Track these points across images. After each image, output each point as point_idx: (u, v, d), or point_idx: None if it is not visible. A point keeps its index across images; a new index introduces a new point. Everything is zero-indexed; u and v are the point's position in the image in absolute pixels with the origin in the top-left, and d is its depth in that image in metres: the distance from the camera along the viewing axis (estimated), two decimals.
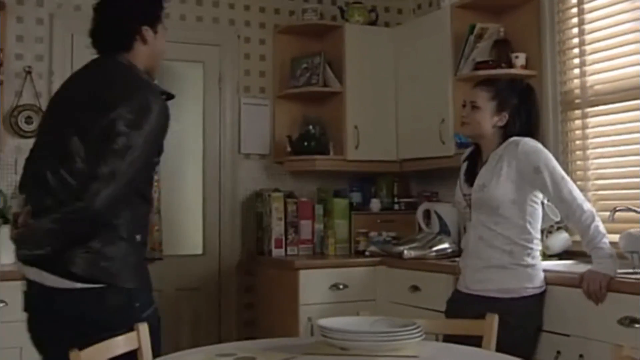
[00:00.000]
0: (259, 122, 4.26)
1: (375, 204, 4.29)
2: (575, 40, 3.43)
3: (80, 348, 1.79)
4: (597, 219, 2.55)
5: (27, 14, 3.79)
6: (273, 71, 4.31)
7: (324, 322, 1.97)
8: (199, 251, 4.15)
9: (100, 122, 2.05)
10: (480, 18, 3.79)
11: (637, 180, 3.10)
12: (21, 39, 3.77)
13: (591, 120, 3.35)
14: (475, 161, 2.81)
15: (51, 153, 2.14)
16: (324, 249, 4.13)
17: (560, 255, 3.32)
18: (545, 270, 2.75)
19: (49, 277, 2.06)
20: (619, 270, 2.52)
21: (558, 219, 3.27)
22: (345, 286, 3.68)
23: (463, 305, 2.72)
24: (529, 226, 2.65)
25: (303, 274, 3.64)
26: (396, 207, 4.34)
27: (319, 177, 4.32)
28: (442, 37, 3.84)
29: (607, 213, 3.04)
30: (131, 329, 2.02)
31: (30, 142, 3.65)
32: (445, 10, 3.86)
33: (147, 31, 2.25)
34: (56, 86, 3.72)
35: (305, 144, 4.10)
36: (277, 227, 4.04)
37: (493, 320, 2.18)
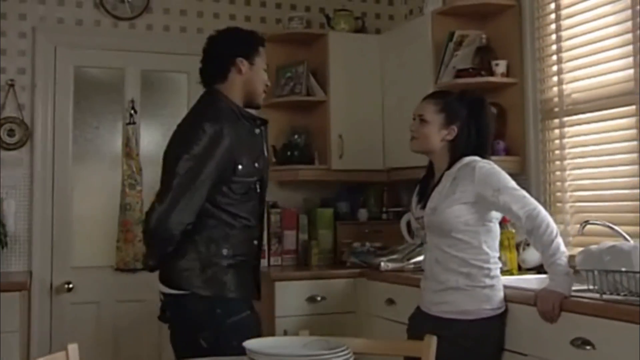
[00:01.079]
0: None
1: (362, 214, 4.24)
2: (554, 47, 3.33)
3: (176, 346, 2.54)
4: (559, 236, 2.47)
5: (10, 27, 3.84)
6: None
7: (251, 343, 1.93)
8: None
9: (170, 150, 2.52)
10: (463, 24, 3.71)
11: (616, 192, 3.00)
12: (4, 52, 3.82)
13: (569, 130, 3.25)
14: (428, 181, 2.75)
15: None
16: (308, 260, 4.09)
17: (537, 269, 3.22)
18: (506, 287, 2.67)
19: (159, 284, 2.55)
20: (577, 288, 2.43)
21: None
22: (324, 298, 3.64)
23: (422, 324, 2.65)
24: (484, 246, 2.58)
25: (279, 286, 3.61)
26: (384, 217, 4.28)
27: (306, 187, 4.28)
28: (423, 44, 3.78)
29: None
30: (217, 334, 2.39)
31: (13, 155, 3.78)
32: (426, 16, 3.79)
33: (242, 62, 2.54)
34: (38, 98, 3.84)
35: (289, 153, 4.07)
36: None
37: (431, 342, 2.11)
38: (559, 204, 3.29)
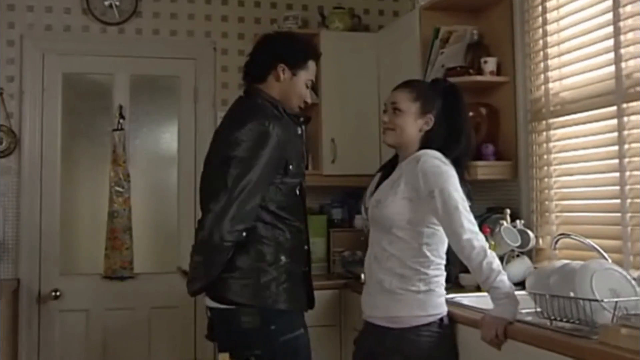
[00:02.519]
0: None
1: (358, 221, 4.04)
2: (541, 43, 3.06)
3: None
4: (489, 254, 2.21)
5: None
6: None
7: None
8: (175, 269, 4.07)
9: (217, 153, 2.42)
10: (453, 20, 3.47)
11: (599, 202, 2.72)
12: None
13: (555, 133, 2.98)
14: (390, 172, 2.54)
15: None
16: None
17: (523, 284, 2.96)
18: (466, 307, 2.46)
19: (207, 298, 2.43)
20: (526, 311, 2.19)
21: (517, 245, 2.97)
22: None
23: (362, 334, 2.52)
24: (425, 249, 2.35)
25: None
26: None
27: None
28: (412, 42, 3.56)
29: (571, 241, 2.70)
30: (272, 353, 2.31)
31: (1, 163, 3.78)
32: (414, 12, 3.57)
33: (282, 69, 2.44)
34: (26, 106, 3.84)
35: None
36: None
37: None
38: (547, 214, 3.01)
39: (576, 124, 2.83)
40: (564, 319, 2.04)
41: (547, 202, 3.00)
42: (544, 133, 3.02)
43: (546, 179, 3.01)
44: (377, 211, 2.40)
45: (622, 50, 2.54)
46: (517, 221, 3.04)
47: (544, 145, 3.02)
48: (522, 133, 3.17)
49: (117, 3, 3.95)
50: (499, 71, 3.32)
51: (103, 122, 3.99)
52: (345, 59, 3.95)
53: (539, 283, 2.14)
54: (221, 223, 2.25)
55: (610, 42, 2.60)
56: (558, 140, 2.95)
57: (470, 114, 3.30)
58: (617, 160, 2.56)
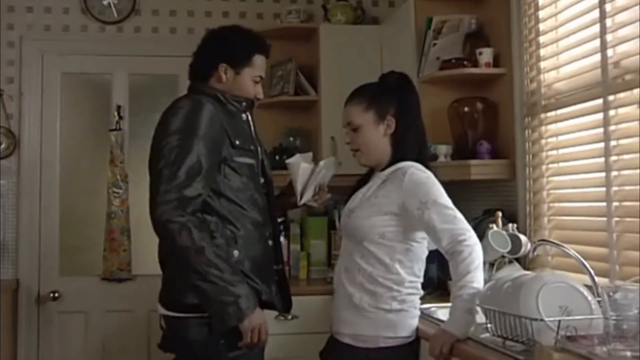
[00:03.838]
0: None
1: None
2: (534, 30, 2.81)
3: None
4: (481, 269, 2.04)
5: None
6: None
7: None
8: None
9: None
10: (450, 9, 3.25)
11: (587, 205, 2.47)
12: None
13: (548, 129, 2.73)
14: (365, 180, 2.36)
15: None
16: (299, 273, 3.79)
17: None
18: (430, 318, 2.27)
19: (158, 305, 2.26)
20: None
21: (506, 251, 2.74)
22: (295, 317, 3.33)
23: (326, 348, 2.37)
24: (398, 266, 2.18)
25: None
26: None
27: None
28: (407, 33, 3.36)
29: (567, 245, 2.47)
30: None
31: (1, 164, 3.80)
32: (409, 1, 3.35)
33: (224, 69, 2.27)
34: (26, 107, 3.84)
35: (277, 157, 3.79)
36: None
37: None
38: (541, 217, 2.76)
39: (566, 119, 2.58)
40: (515, 338, 1.82)
41: (541, 205, 2.75)
42: (538, 129, 2.77)
43: (540, 179, 2.76)
44: (350, 221, 2.24)
45: (608, 36, 2.28)
46: (510, 225, 2.81)
47: (539, 142, 2.77)
48: (518, 129, 2.93)
49: (116, 2, 3.90)
50: (497, 63, 3.08)
51: (102, 122, 3.95)
52: (346, 53, 3.76)
53: (492, 296, 1.93)
54: (168, 202, 2.05)
55: (597, 27, 2.34)
56: (551, 136, 2.70)
57: (466, 109, 3.12)
58: (602, 160, 2.29)
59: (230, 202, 2.19)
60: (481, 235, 2.85)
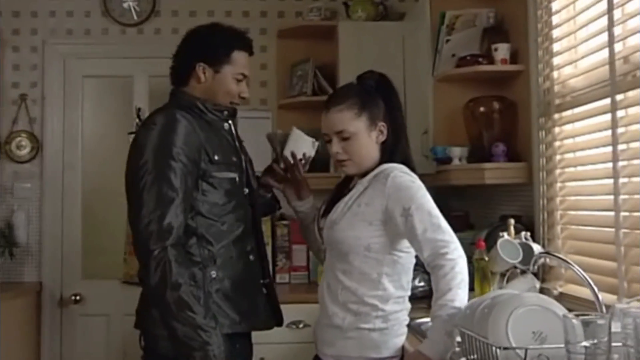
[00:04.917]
0: (260, 137, 3.91)
1: None
2: (548, 23, 2.60)
3: None
4: (464, 287, 1.85)
5: (22, 43, 3.90)
6: (276, 80, 3.94)
7: None
8: None
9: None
10: (467, 3, 3.07)
11: (609, 214, 2.25)
12: (17, 67, 3.89)
13: (561, 130, 2.52)
14: (344, 187, 2.20)
15: None
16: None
17: None
18: (415, 332, 2.13)
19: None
20: None
21: (516, 261, 2.55)
22: (307, 325, 3.23)
23: None
24: (385, 281, 2.01)
25: None
26: None
27: (319, 197, 3.78)
28: (424, 29, 3.19)
29: (579, 257, 2.28)
30: None
31: (24, 168, 3.84)
32: None
33: (202, 69, 2.16)
34: (48, 111, 3.87)
35: None
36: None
37: None
38: (555, 226, 2.56)
39: (576, 120, 2.37)
40: None
41: (554, 212, 2.55)
42: (551, 130, 2.57)
43: (554, 185, 2.56)
44: (332, 234, 2.06)
45: (616, 29, 2.07)
46: (523, 233, 2.61)
47: (552, 144, 2.57)
48: (534, 130, 2.72)
49: (135, 4, 3.88)
50: (516, 59, 2.88)
51: (123, 124, 3.93)
52: (366, 52, 3.61)
53: (469, 316, 1.76)
54: (147, 230, 1.97)
55: (605, 19, 2.13)
56: (564, 138, 2.49)
57: (481, 109, 2.95)
58: (610, 164, 2.09)
59: (207, 219, 2.09)
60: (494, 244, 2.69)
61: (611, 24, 2.08)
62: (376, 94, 2.09)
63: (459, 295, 1.84)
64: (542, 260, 2.31)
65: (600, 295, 1.92)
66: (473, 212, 3.56)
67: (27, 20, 3.89)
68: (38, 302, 3.83)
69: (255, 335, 3.21)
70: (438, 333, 1.82)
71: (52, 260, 3.85)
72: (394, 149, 2.05)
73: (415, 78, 3.43)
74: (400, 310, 2.05)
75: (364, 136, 2.03)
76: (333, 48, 3.75)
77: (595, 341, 1.34)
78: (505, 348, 1.51)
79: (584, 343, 1.38)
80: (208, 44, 2.19)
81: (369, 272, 2.02)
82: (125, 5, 3.89)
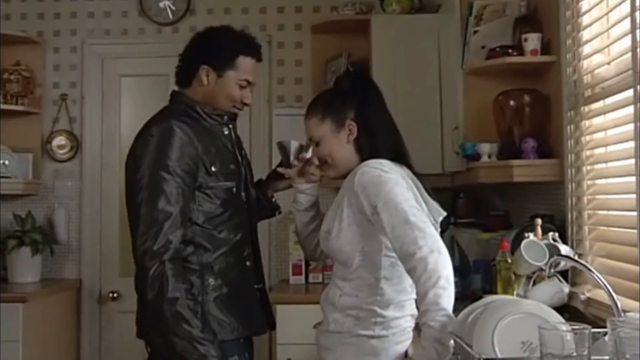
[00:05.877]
0: (295, 134, 3.85)
1: None
2: (576, 10, 2.43)
3: None
4: (442, 283, 1.73)
5: (63, 44, 3.98)
6: (312, 77, 3.88)
7: None
8: None
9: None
10: None
11: (632, 214, 2.08)
12: (58, 68, 3.98)
13: (591, 123, 2.35)
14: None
15: None
16: None
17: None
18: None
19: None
20: None
21: (542, 264, 2.41)
22: None
23: None
24: (383, 285, 1.93)
25: (281, 310, 3.21)
26: (452, 228, 3.58)
27: None
28: (454, 20, 3.07)
29: (606, 260, 2.14)
30: None
31: (64, 166, 3.91)
32: None
33: (205, 72, 2.13)
34: (87, 110, 3.93)
35: None
36: (295, 252, 3.64)
37: None
38: (583, 226, 2.40)
39: (604, 113, 2.21)
40: None
41: (583, 212, 2.39)
42: (579, 124, 2.41)
43: (582, 183, 2.40)
44: (327, 245, 2.00)
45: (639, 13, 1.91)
46: (550, 234, 2.46)
47: (580, 139, 2.40)
48: (565, 124, 2.56)
49: (171, 3, 3.90)
50: (548, 50, 2.72)
51: None
52: (400, 45, 3.51)
53: (462, 322, 1.65)
54: (150, 246, 1.95)
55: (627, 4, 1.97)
56: (592, 132, 2.33)
57: (511, 102, 2.80)
58: (633, 161, 1.93)
59: (203, 228, 2.06)
60: None
61: (634, 9, 1.92)
62: (346, 94, 2.04)
63: (440, 296, 1.68)
64: (563, 263, 2.16)
65: (619, 302, 1.78)
66: (513, 211, 3.40)
67: (67, 21, 3.97)
68: (78, 299, 3.90)
69: (282, 336, 3.22)
70: (429, 342, 1.70)
71: (91, 258, 3.91)
72: (370, 145, 1.98)
73: (449, 72, 3.31)
74: (402, 317, 1.95)
75: (331, 138, 2.02)
76: (367, 43, 3.66)
77: (574, 354, 1.22)
78: (486, 359, 1.40)
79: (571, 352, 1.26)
80: (213, 47, 2.15)
81: (367, 276, 1.94)
82: (161, 4, 3.91)
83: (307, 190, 2.22)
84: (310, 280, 3.66)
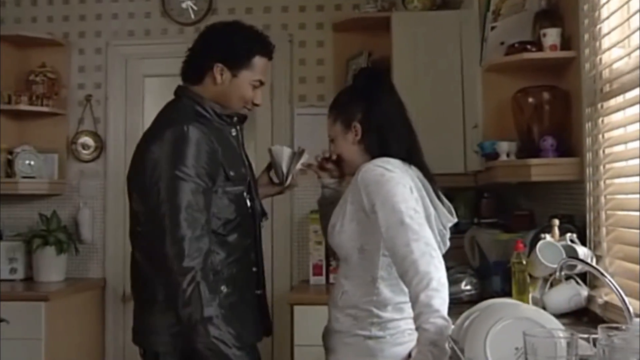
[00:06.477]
0: (317, 134, 3.82)
1: None
2: (602, 1, 2.34)
3: None
4: (434, 285, 1.68)
5: (87, 45, 4.02)
6: (334, 75, 3.84)
7: None
8: None
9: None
10: None
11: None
12: (83, 69, 4.02)
13: (609, 120, 2.27)
14: None
15: None
16: None
17: (568, 316, 2.32)
18: None
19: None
20: None
21: (555, 265, 2.33)
22: None
23: None
24: (380, 285, 1.90)
25: (299, 311, 3.19)
26: (473, 228, 3.50)
27: None
28: (473, 16, 3.00)
29: (623, 262, 2.06)
30: None
31: (89, 167, 3.96)
32: None
33: (220, 70, 2.09)
34: (111, 111, 3.96)
35: None
36: (316, 252, 3.61)
37: None
38: (602, 227, 2.31)
39: (620, 109, 2.12)
40: None
41: (600, 212, 2.30)
42: (597, 121, 2.32)
43: (600, 182, 2.31)
44: (332, 239, 2.00)
45: None
46: (568, 235, 2.38)
47: (597, 137, 2.32)
48: (584, 122, 2.47)
49: (193, 3, 3.91)
50: (569, 45, 2.63)
51: None
52: (421, 43, 3.44)
53: (458, 326, 1.60)
54: (185, 251, 1.89)
55: None
56: (610, 129, 2.24)
57: (530, 99, 2.72)
58: None
59: (217, 234, 2.00)
60: None
61: None
62: (358, 94, 2.05)
63: (432, 297, 1.63)
64: (580, 266, 2.08)
65: (630, 306, 1.70)
66: (538, 212, 3.31)
67: (92, 23, 4.01)
68: (102, 298, 3.93)
69: (300, 337, 3.19)
70: (423, 345, 1.66)
71: (114, 258, 3.93)
72: (374, 146, 1.97)
73: (471, 70, 3.24)
74: (401, 319, 1.91)
75: (341, 139, 2.06)
76: (389, 40, 3.61)
77: None
78: None
79: None
80: (230, 44, 2.10)
81: (364, 275, 1.93)
82: (183, 4, 3.92)
83: (331, 185, 2.21)
84: (331, 280, 3.60)
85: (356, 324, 1.92)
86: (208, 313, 1.87)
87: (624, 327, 1.39)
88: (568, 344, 1.19)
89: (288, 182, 2.25)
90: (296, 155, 2.23)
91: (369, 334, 1.90)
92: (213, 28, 2.22)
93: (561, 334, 1.22)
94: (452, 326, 1.59)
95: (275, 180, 2.27)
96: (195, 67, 2.16)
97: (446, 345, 1.60)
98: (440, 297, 1.63)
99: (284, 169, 2.23)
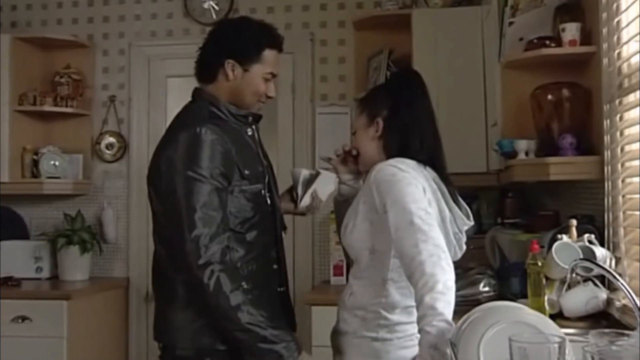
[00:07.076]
0: (338, 133, 3.80)
1: None
2: None
3: None
4: (440, 288, 1.63)
5: (111, 46, 4.06)
6: (355, 74, 3.81)
7: None
8: None
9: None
10: None
11: None
12: (107, 70, 4.06)
13: (628, 116, 2.19)
14: None
15: None
16: None
17: (585, 320, 2.25)
18: None
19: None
20: None
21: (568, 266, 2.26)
22: None
23: None
24: (390, 287, 1.86)
25: (316, 311, 3.16)
26: (495, 228, 3.43)
27: None
28: (492, 12, 2.93)
29: None
30: None
31: (113, 167, 3.99)
32: None
33: (231, 66, 2.10)
34: (135, 111, 4.00)
35: None
36: (336, 252, 3.58)
37: None
38: (620, 228, 2.24)
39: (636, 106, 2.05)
40: None
41: (618, 212, 2.23)
42: (615, 118, 2.25)
43: (617, 181, 2.23)
44: (344, 239, 1.98)
45: None
46: (585, 235, 2.31)
47: (615, 134, 2.24)
48: (603, 119, 2.40)
49: (214, 3, 3.91)
50: (589, 40, 2.56)
51: None
52: (442, 40, 3.39)
53: (458, 329, 1.55)
54: (206, 247, 1.91)
55: None
56: (628, 126, 2.16)
57: (549, 97, 2.65)
58: None
59: (234, 232, 2.01)
60: None
61: None
62: (389, 91, 2.01)
63: (437, 300, 1.58)
64: (595, 268, 2.01)
65: None
66: (562, 211, 3.22)
67: (115, 24, 4.05)
68: (126, 297, 3.96)
69: (318, 338, 3.16)
70: (423, 347, 1.62)
71: (138, 257, 3.96)
72: (393, 146, 1.92)
73: (493, 66, 3.17)
74: (409, 322, 1.86)
75: (363, 132, 2.01)
76: (410, 38, 3.56)
77: None
78: None
79: None
80: (239, 40, 2.10)
81: (374, 276, 1.89)
82: (205, 5, 3.93)
83: (348, 182, 2.18)
84: None
85: (364, 325, 1.89)
86: (235, 301, 1.89)
87: (629, 333, 1.34)
88: (559, 348, 1.14)
89: (301, 203, 2.26)
90: (312, 177, 2.23)
91: (376, 336, 1.87)
92: (221, 25, 2.24)
93: (551, 339, 1.17)
94: None
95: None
96: (207, 66, 2.17)
97: (447, 349, 1.56)
98: (444, 300, 1.59)
99: (300, 191, 2.25)
